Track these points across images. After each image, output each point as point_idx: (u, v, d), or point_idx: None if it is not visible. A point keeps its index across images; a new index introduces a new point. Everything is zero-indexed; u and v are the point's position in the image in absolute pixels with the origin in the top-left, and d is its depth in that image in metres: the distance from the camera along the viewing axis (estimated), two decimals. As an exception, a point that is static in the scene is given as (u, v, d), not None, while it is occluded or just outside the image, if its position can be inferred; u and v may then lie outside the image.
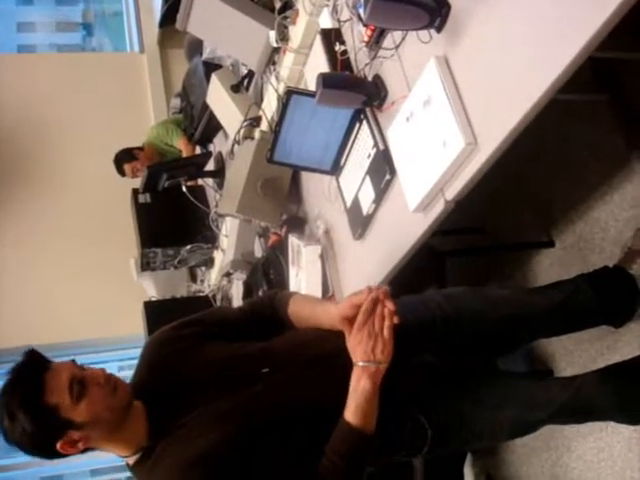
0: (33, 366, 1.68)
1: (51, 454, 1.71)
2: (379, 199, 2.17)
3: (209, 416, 1.74)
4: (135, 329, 4.29)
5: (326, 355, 1.84)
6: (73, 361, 1.74)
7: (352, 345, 1.71)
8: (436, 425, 1.96)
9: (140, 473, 1.76)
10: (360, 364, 1.70)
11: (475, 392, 2.05)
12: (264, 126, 3.08)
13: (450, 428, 2.00)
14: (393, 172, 2.06)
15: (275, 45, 2.82)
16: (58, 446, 1.67)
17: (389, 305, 1.70)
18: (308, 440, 1.75)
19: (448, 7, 1.74)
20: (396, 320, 1.68)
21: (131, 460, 1.77)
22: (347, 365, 1.73)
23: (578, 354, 2.83)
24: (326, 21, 2.44)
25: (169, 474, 1.68)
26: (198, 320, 2.03)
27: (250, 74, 3.31)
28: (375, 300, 1.71)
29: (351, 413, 1.70)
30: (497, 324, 2.15)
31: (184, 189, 3.76)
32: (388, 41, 2.08)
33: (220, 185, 3.81)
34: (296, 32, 2.67)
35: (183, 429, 1.72)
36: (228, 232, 3.61)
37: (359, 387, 1.69)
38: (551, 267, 3.00)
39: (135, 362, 1.95)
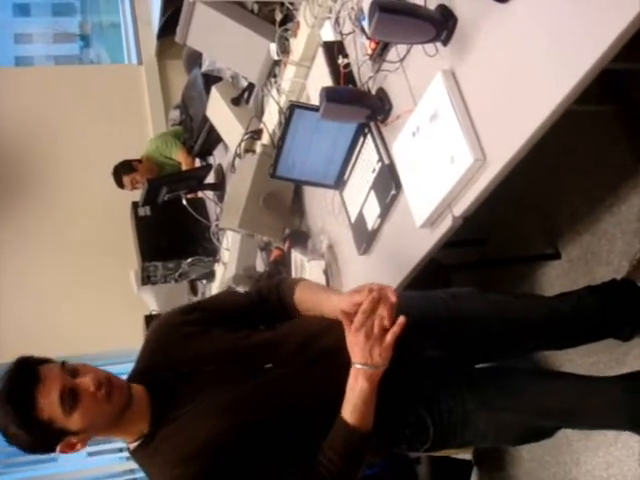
0: (22, 380, 1.65)
1: (52, 452, 1.73)
2: (384, 214, 2.14)
3: (210, 407, 1.73)
4: (135, 343, 4.24)
5: (329, 348, 1.82)
6: (63, 364, 1.70)
7: (350, 344, 1.67)
8: (439, 423, 1.93)
9: (140, 459, 1.77)
10: (357, 366, 1.66)
11: (482, 392, 2.02)
12: (265, 139, 3.05)
13: (453, 426, 1.97)
14: (399, 187, 2.03)
15: (276, 58, 2.79)
16: (57, 449, 1.69)
17: (393, 302, 1.65)
18: (308, 434, 1.74)
19: (455, 20, 1.71)
20: (402, 320, 1.63)
21: (132, 445, 1.77)
22: (349, 359, 1.70)
23: (586, 368, 2.80)
24: (328, 34, 2.42)
25: (169, 466, 1.68)
26: (203, 305, 2.06)
27: (250, 87, 3.29)
28: (375, 300, 1.66)
29: (348, 413, 1.67)
30: (500, 328, 2.12)
31: (184, 202, 3.73)
32: (392, 54, 2.05)
33: (220, 198, 3.79)
34: (297, 45, 2.64)
35: (183, 419, 1.72)
36: (229, 245, 3.58)
37: (356, 387, 1.66)
38: (557, 279, 2.97)
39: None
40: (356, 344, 1.65)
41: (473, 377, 2.07)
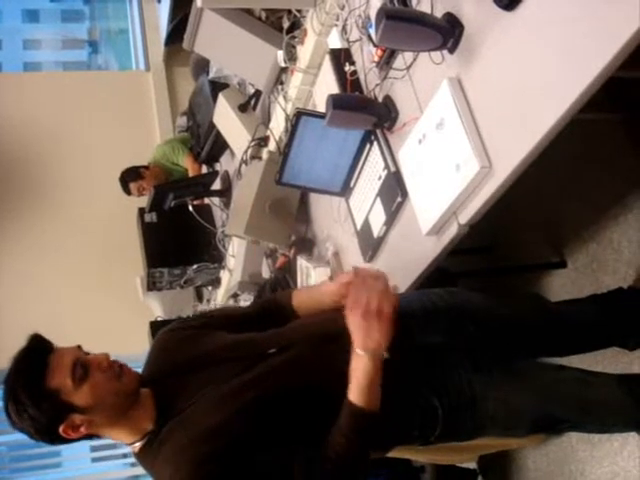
0: (37, 349, 1.70)
1: (54, 439, 1.71)
2: (390, 221, 2.14)
3: (217, 395, 1.73)
4: (141, 349, 4.24)
5: (332, 333, 1.81)
6: (79, 346, 1.75)
7: (349, 325, 1.67)
8: (447, 405, 1.91)
9: (146, 457, 1.75)
10: (358, 351, 1.64)
11: (489, 374, 2.00)
12: (272, 146, 3.06)
13: (463, 408, 1.94)
14: (405, 194, 2.03)
15: (283, 65, 2.80)
16: (60, 429, 1.68)
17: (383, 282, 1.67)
18: (316, 415, 1.73)
19: (461, 28, 1.71)
20: (395, 286, 1.65)
21: (137, 447, 1.76)
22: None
23: (592, 376, 2.79)
24: (335, 41, 2.42)
25: (178, 451, 1.66)
26: (206, 314, 2.13)
27: (257, 94, 3.29)
28: (363, 278, 1.68)
29: (353, 393, 1.66)
30: (496, 323, 2.11)
31: (190, 208, 3.74)
32: (399, 61, 2.06)
33: (227, 204, 3.79)
34: (304, 52, 2.65)
35: (190, 409, 1.72)
36: (235, 252, 3.59)
37: (360, 366, 1.65)
38: (563, 288, 2.96)
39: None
40: (353, 323, 1.65)
41: (479, 361, 2.04)
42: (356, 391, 1.66)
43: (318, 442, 1.69)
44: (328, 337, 1.83)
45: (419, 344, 1.97)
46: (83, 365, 1.67)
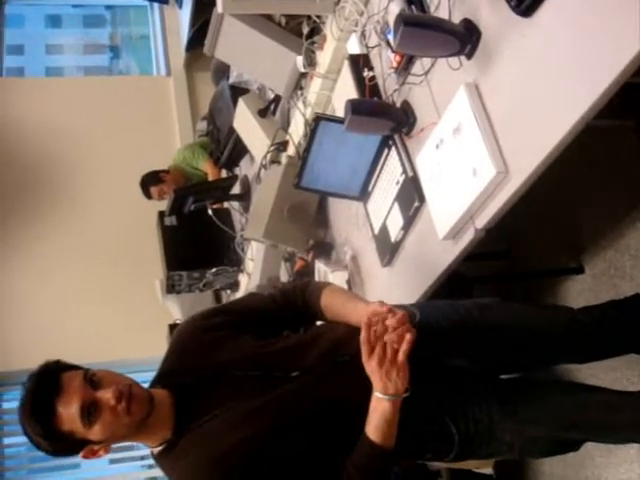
0: (44, 391, 1.66)
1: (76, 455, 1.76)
2: (408, 226, 2.16)
3: (235, 415, 1.74)
4: (160, 352, 4.27)
5: (355, 353, 1.78)
6: (86, 372, 1.71)
7: (367, 371, 1.68)
8: (464, 432, 1.91)
9: (164, 464, 1.78)
10: (378, 395, 1.66)
11: (508, 403, 1.99)
12: (291, 151, 3.08)
13: (479, 436, 1.94)
14: (422, 199, 2.05)
15: (302, 70, 2.82)
16: (80, 455, 1.74)
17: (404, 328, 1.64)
18: (335, 441, 1.75)
19: (479, 34, 1.73)
20: (409, 337, 1.62)
21: (155, 450, 1.79)
22: None
23: (608, 383, 2.78)
24: (354, 47, 2.44)
25: (192, 470, 1.70)
26: (226, 309, 2.06)
27: (277, 99, 3.31)
28: (384, 325, 1.66)
29: (371, 432, 1.69)
30: (524, 338, 2.10)
31: (210, 212, 3.76)
32: (417, 67, 2.07)
33: (246, 208, 3.82)
34: (324, 57, 2.67)
35: (208, 425, 1.73)
36: (254, 256, 3.61)
37: (379, 408, 1.67)
38: (580, 294, 2.96)
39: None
40: (372, 372, 1.66)
41: (499, 388, 2.05)
42: (373, 428, 1.69)
43: (334, 468, 1.72)
44: (349, 358, 1.82)
45: (443, 367, 1.97)
46: (91, 406, 1.66)
